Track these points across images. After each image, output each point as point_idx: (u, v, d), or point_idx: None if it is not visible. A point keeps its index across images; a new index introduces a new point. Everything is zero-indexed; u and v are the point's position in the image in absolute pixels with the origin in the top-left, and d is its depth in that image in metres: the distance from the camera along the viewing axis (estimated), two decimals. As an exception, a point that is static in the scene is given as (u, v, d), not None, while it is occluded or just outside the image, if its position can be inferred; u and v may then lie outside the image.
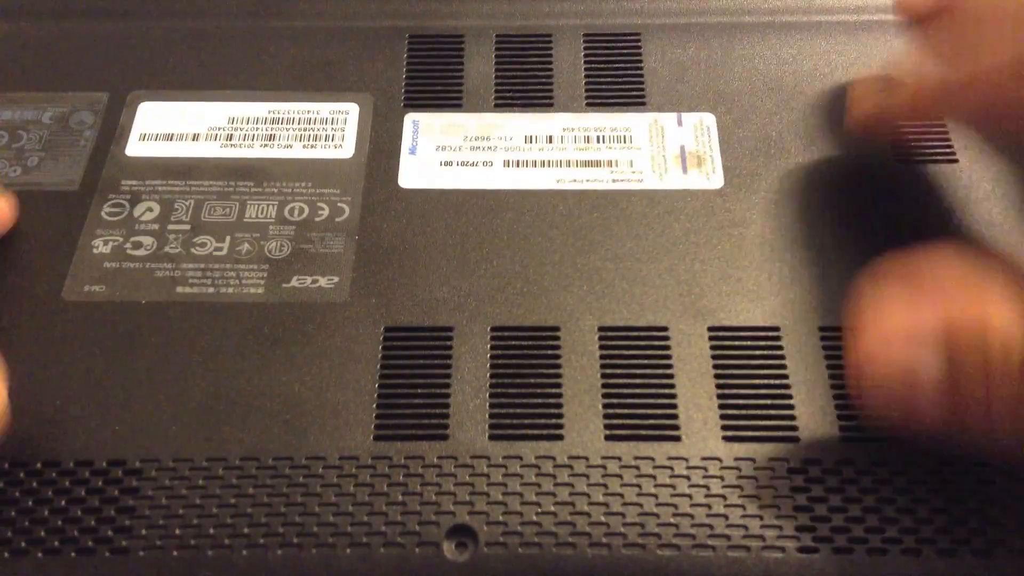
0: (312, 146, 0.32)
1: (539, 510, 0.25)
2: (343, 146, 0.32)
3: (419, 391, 0.27)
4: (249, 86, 0.33)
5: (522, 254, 0.29)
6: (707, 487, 0.25)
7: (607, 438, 0.26)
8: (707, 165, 0.31)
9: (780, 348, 0.27)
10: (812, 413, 0.26)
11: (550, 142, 0.32)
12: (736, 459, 0.25)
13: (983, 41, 0.25)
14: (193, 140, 0.32)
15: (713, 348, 0.27)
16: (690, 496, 0.25)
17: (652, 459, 0.25)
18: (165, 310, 0.28)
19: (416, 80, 0.34)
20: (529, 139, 0.32)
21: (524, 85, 0.34)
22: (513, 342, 0.27)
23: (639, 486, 0.25)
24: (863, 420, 0.25)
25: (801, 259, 0.29)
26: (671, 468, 0.25)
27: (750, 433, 0.26)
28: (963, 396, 0.21)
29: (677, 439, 0.26)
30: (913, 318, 0.22)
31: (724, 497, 0.25)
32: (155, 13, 0.35)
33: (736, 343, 0.27)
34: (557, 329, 0.28)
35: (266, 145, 0.32)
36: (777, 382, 0.27)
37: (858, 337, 0.23)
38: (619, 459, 0.25)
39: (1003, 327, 0.21)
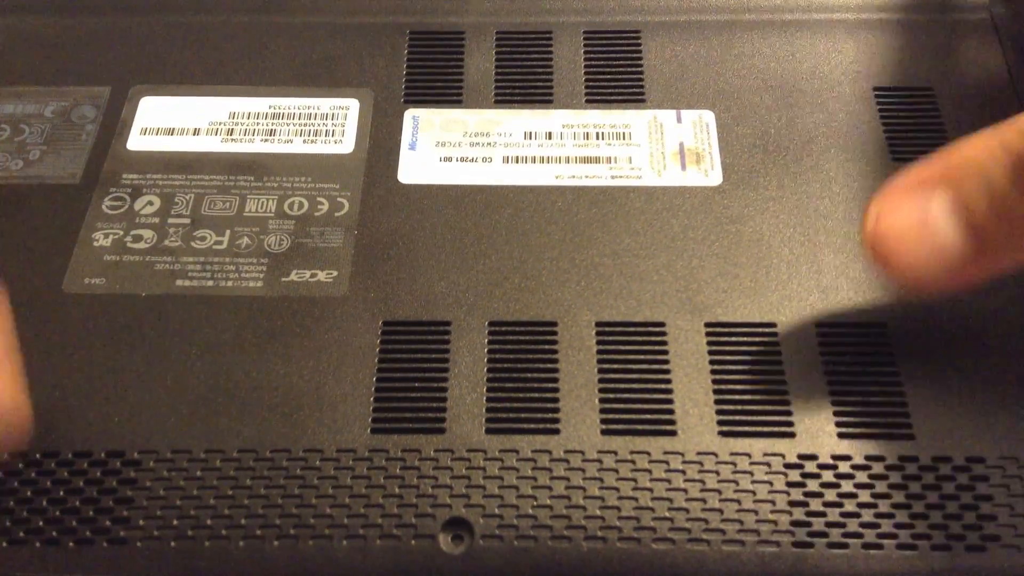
0: (312, 141, 0.32)
1: (535, 503, 0.25)
2: (343, 141, 0.32)
3: (416, 385, 0.27)
4: (250, 81, 0.34)
5: (520, 249, 0.29)
6: (702, 482, 0.25)
7: (603, 432, 0.26)
8: (706, 162, 0.31)
9: (776, 344, 0.27)
10: (808, 408, 0.26)
11: (549, 138, 0.32)
12: (731, 454, 0.25)
13: None
14: (194, 135, 0.32)
15: (710, 344, 0.27)
16: (685, 491, 0.25)
17: (648, 454, 0.25)
18: (165, 303, 0.28)
19: (416, 76, 0.34)
20: (528, 135, 0.32)
21: (524, 81, 0.34)
22: (511, 336, 0.28)
23: (635, 480, 0.25)
24: (902, 289, 0.25)
25: (798, 256, 0.29)
26: (667, 463, 0.25)
27: (746, 428, 0.26)
28: (979, 220, 0.22)
29: (673, 434, 0.26)
30: (912, 177, 0.24)
31: (719, 492, 0.25)
32: (157, 8, 0.36)
33: (733, 339, 0.27)
34: (554, 324, 0.28)
35: (266, 140, 0.32)
36: (773, 378, 0.27)
37: (866, 214, 0.24)
38: (615, 453, 0.25)
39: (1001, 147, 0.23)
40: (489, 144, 0.32)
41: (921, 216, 0.23)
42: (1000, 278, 0.24)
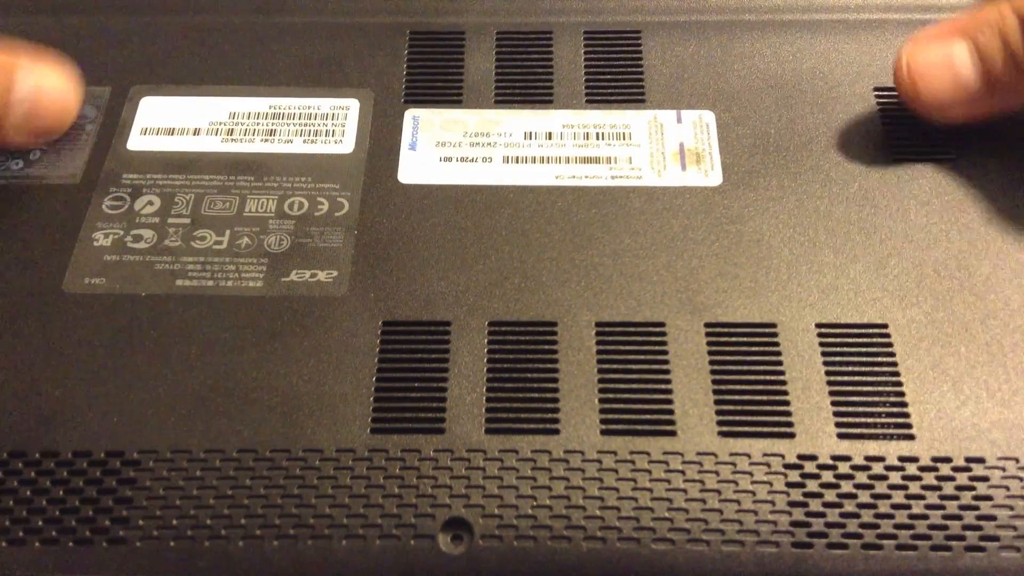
0: (312, 141, 0.32)
1: (535, 504, 0.25)
2: (343, 141, 0.32)
3: (416, 385, 0.27)
4: (250, 81, 0.34)
5: (520, 249, 0.29)
6: (702, 482, 0.25)
7: (603, 433, 0.26)
8: (706, 162, 0.31)
9: (776, 344, 0.27)
10: (807, 409, 0.26)
11: (549, 138, 0.32)
12: (731, 454, 0.25)
13: None
14: (194, 135, 0.32)
15: (710, 344, 0.27)
16: (685, 491, 0.25)
17: (647, 454, 0.25)
18: (164, 303, 0.28)
19: (416, 76, 0.34)
20: (529, 135, 0.32)
21: (524, 81, 0.34)
22: (510, 337, 0.28)
23: (634, 481, 0.25)
24: (924, 118, 0.31)
25: (798, 256, 0.29)
26: (666, 463, 0.25)
27: (745, 428, 0.26)
28: (994, 66, 0.29)
29: (673, 434, 0.26)
30: (939, 28, 0.30)
31: (719, 492, 0.25)
32: (157, 8, 0.36)
33: (732, 339, 0.27)
34: (554, 324, 0.28)
35: (266, 140, 0.32)
36: (773, 378, 0.27)
37: (899, 55, 0.31)
38: (615, 454, 0.25)
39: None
40: (489, 144, 0.32)
41: (946, 57, 0.30)
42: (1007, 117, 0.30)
